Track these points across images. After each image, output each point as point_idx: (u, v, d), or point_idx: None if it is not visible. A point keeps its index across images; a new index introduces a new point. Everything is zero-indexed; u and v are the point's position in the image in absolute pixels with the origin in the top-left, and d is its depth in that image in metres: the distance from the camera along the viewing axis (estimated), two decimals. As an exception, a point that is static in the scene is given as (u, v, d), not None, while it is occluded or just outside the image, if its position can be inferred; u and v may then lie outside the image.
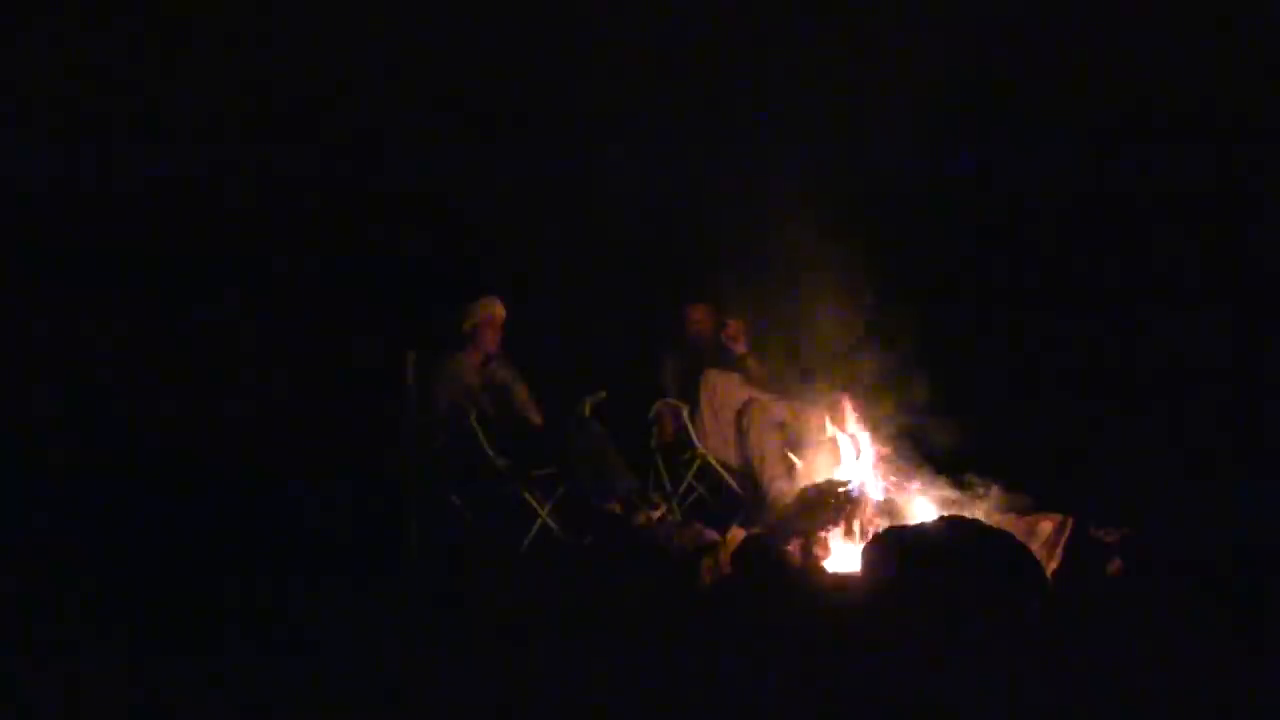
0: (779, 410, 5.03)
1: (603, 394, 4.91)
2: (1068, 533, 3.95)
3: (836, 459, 4.67)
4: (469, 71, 6.32)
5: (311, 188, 6.39)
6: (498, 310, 4.99)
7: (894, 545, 3.78)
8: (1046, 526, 3.97)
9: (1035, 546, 3.84)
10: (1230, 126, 5.91)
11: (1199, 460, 5.26)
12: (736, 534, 4.20)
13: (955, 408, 4.48)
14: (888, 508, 4.24)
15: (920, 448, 4.51)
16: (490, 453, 4.62)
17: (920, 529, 3.89)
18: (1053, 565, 3.88)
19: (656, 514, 4.48)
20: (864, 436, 4.61)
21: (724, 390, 5.08)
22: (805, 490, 4.36)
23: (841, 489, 4.25)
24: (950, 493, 4.35)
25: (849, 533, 4.10)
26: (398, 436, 4.88)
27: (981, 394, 5.34)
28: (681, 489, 5.05)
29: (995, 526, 3.92)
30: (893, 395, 4.67)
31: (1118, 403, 5.77)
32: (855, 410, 4.73)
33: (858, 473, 4.46)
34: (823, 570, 3.99)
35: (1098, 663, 2.92)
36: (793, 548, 4.04)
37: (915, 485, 4.43)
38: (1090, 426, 5.60)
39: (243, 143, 6.30)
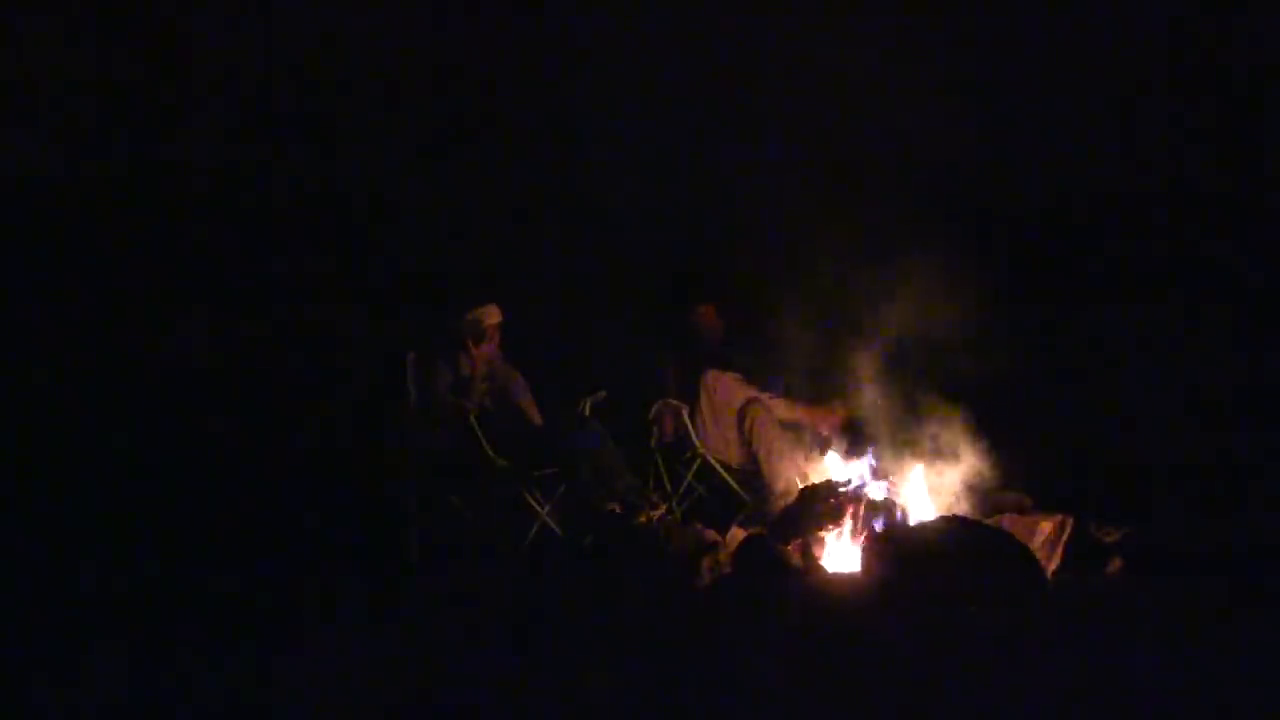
0: (779, 410, 5.03)
1: (603, 394, 4.91)
2: (1068, 533, 3.95)
3: (836, 459, 4.68)
4: (468, 74, 6.33)
5: (313, 189, 6.40)
6: (496, 317, 4.99)
7: (894, 545, 3.79)
8: (1046, 526, 3.97)
9: (1035, 546, 3.85)
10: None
11: (1199, 459, 5.26)
12: (736, 534, 4.21)
13: (956, 407, 4.48)
14: (887, 508, 4.24)
15: (920, 447, 4.51)
16: (490, 453, 4.62)
17: (920, 529, 3.90)
18: (1053, 565, 3.89)
19: (656, 514, 4.48)
20: (864, 436, 4.61)
21: (724, 390, 5.07)
22: (805, 490, 4.36)
23: (841, 489, 4.25)
24: (950, 492, 4.35)
25: (849, 533, 4.11)
26: (398, 436, 4.88)
27: (981, 394, 5.34)
28: (681, 489, 5.05)
29: (995, 526, 3.93)
30: (893, 395, 4.67)
31: (1118, 403, 5.77)
32: (856, 410, 4.73)
33: (857, 473, 4.46)
34: (823, 570, 3.99)
35: (1098, 662, 2.92)
36: (793, 548, 4.05)
37: (914, 485, 4.43)
38: (1092, 427, 5.60)
39: (242, 144, 6.31)
